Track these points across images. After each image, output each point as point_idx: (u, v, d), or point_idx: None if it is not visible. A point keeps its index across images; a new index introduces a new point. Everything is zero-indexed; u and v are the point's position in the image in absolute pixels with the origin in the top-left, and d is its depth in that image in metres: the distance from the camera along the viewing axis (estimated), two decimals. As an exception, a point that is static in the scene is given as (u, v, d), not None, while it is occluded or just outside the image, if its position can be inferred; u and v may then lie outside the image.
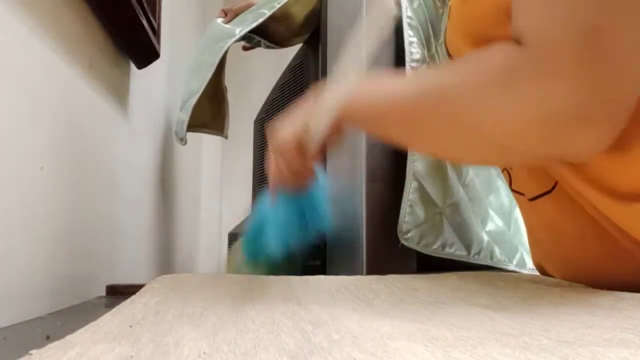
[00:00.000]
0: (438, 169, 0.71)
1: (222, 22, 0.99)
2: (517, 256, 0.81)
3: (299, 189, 0.57)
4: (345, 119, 0.50)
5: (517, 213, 0.87)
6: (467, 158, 0.55)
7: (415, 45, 0.72)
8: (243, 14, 0.95)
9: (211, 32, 1.02)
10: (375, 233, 0.68)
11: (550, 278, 0.52)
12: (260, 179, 1.38)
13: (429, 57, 0.73)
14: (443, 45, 0.65)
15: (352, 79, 0.48)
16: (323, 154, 0.56)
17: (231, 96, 2.25)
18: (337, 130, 0.52)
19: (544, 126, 0.36)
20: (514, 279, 0.50)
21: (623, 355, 0.21)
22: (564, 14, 0.34)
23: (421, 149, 0.59)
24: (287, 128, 0.54)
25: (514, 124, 0.37)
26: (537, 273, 0.59)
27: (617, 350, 0.22)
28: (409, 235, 0.66)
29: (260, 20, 0.90)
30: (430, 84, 0.43)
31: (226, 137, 1.26)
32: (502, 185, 0.86)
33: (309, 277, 0.51)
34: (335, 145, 0.55)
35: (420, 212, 0.68)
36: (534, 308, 0.36)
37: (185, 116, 0.99)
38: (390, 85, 0.47)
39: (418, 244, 0.67)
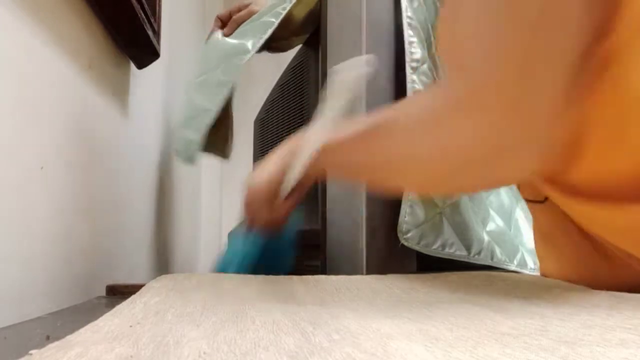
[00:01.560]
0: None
1: (223, 35, 0.93)
2: (518, 256, 0.81)
3: (268, 232, 0.61)
4: (317, 168, 0.52)
5: (518, 213, 0.87)
6: (433, 188, 0.57)
7: (415, 45, 0.71)
8: (245, 23, 0.90)
9: (216, 47, 0.95)
10: (375, 233, 0.68)
11: (550, 278, 0.52)
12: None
13: (429, 57, 0.73)
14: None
15: (324, 128, 0.49)
16: (294, 201, 0.58)
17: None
18: (307, 179, 0.55)
19: (466, 161, 0.38)
20: (514, 279, 0.50)
21: (623, 355, 0.21)
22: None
23: (390, 186, 0.59)
24: (261, 175, 0.57)
25: (442, 159, 0.39)
26: (538, 273, 0.59)
27: (617, 350, 0.22)
28: (409, 235, 0.66)
29: (270, 31, 0.85)
30: (379, 123, 0.46)
31: (227, 158, 1.22)
32: (502, 185, 0.86)
33: (309, 277, 0.51)
34: (304, 193, 0.58)
35: (421, 212, 0.68)
36: (534, 308, 0.36)
37: (196, 135, 0.92)
38: (352, 130, 0.49)
39: (418, 243, 0.67)
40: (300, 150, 0.51)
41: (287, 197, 0.57)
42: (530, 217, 0.89)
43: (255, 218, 0.60)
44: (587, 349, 0.22)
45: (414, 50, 0.71)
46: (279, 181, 0.55)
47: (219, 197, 2.14)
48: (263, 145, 1.36)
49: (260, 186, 0.57)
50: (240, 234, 0.65)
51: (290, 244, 0.65)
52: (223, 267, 0.64)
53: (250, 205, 0.59)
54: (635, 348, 0.23)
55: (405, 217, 0.66)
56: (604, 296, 0.39)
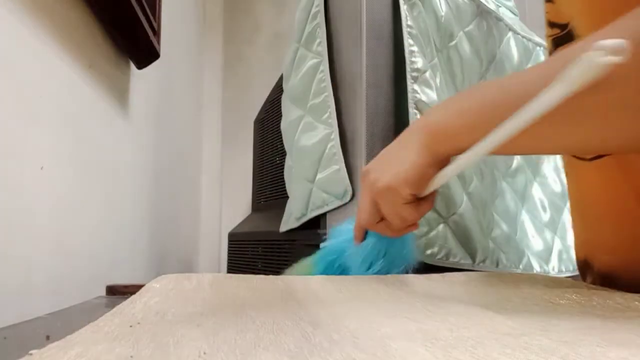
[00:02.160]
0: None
1: None
2: (524, 260, 0.81)
3: (392, 235, 0.52)
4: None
5: (524, 216, 0.87)
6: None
7: (416, 54, 0.71)
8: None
9: None
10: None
11: (550, 278, 0.52)
12: (260, 179, 1.38)
13: (430, 67, 0.73)
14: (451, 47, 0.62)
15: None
16: (432, 203, 0.50)
17: (231, 96, 2.26)
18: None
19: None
20: (514, 279, 0.50)
21: (623, 355, 0.21)
22: None
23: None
24: (400, 172, 0.46)
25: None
26: (537, 274, 0.59)
27: (617, 350, 0.22)
28: None
29: None
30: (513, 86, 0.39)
31: None
32: (507, 188, 0.86)
33: (309, 277, 0.51)
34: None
35: (425, 223, 0.68)
36: (534, 308, 0.36)
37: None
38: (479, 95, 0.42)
39: (422, 254, 0.67)
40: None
41: (426, 197, 0.48)
42: (534, 218, 0.89)
43: (389, 219, 0.49)
44: (587, 349, 0.22)
45: (415, 59, 0.71)
46: (427, 175, 0.46)
47: (219, 197, 2.14)
48: (263, 145, 1.37)
49: (406, 178, 0.46)
50: (349, 232, 0.56)
51: (412, 247, 0.56)
52: (332, 259, 0.58)
53: (385, 204, 0.48)
54: (635, 348, 0.23)
55: None
56: (604, 296, 0.39)
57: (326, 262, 0.58)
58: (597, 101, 0.34)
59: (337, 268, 0.58)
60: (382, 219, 0.51)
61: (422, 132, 0.46)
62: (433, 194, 0.49)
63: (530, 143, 0.40)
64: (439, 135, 0.44)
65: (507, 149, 0.39)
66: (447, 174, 0.46)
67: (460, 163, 0.43)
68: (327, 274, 0.56)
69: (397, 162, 0.47)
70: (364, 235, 0.54)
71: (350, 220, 0.57)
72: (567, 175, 0.55)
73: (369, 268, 0.54)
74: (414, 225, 0.50)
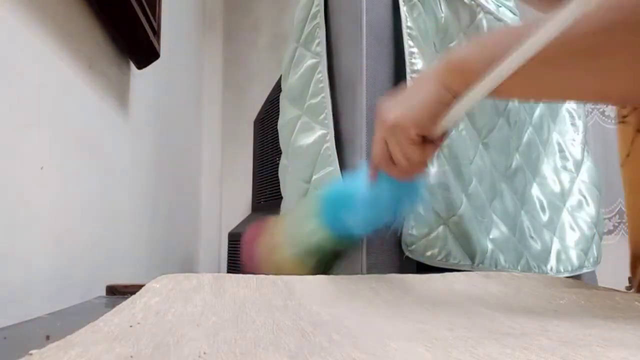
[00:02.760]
0: (439, 180, 0.71)
1: None
2: (522, 262, 0.81)
3: (403, 178, 0.50)
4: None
5: (523, 217, 0.87)
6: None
7: (416, 55, 0.71)
8: None
9: None
10: (375, 233, 0.68)
11: (550, 278, 0.52)
12: (260, 179, 1.38)
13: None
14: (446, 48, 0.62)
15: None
16: (439, 144, 0.49)
17: (231, 96, 2.26)
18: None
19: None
20: (513, 280, 0.50)
21: (623, 355, 0.21)
22: None
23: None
24: (410, 103, 0.46)
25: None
26: (537, 274, 0.59)
27: (617, 350, 0.22)
28: (413, 247, 0.66)
29: None
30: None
31: None
32: (505, 189, 0.86)
33: (309, 277, 0.51)
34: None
35: (424, 224, 0.68)
36: (534, 308, 0.36)
37: None
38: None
39: (422, 255, 0.67)
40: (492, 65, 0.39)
41: (434, 140, 0.47)
42: (533, 219, 0.89)
43: (392, 160, 0.48)
44: (587, 349, 0.22)
45: (415, 60, 0.71)
46: (436, 114, 0.44)
47: (219, 197, 2.14)
48: (263, 145, 1.37)
49: (413, 117, 0.45)
50: (363, 172, 0.54)
51: (422, 191, 0.55)
52: (344, 197, 0.56)
53: (399, 144, 0.47)
54: (635, 348, 0.23)
55: (409, 229, 0.66)
56: (604, 296, 0.39)
57: (335, 203, 0.56)
58: (595, 41, 0.35)
59: (342, 207, 0.55)
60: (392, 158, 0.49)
61: (443, 69, 0.45)
62: (440, 138, 0.48)
63: (531, 85, 0.41)
64: (456, 70, 0.43)
65: (510, 91, 0.40)
66: (454, 115, 0.44)
67: (467, 99, 0.43)
68: (330, 215, 0.55)
69: (408, 100, 0.47)
70: (376, 174, 0.53)
71: (365, 165, 0.56)
72: (624, 166, 0.55)
73: (374, 210, 0.53)
74: (421, 166, 0.49)
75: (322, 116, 0.77)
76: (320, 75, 0.78)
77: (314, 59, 0.80)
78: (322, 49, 0.79)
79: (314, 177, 0.77)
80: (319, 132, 0.77)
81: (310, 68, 0.80)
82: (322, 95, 0.77)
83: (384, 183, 0.52)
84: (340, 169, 0.73)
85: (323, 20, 0.80)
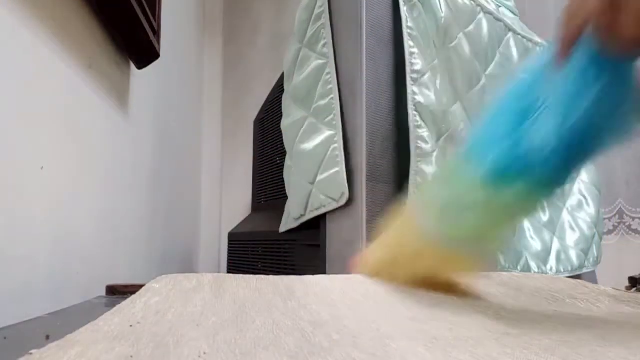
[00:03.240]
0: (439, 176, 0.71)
1: None
2: (522, 262, 0.81)
3: (627, 46, 0.31)
4: None
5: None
6: None
7: (416, 56, 0.71)
8: None
9: None
10: (375, 233, 0.68)
11: (550, 278, 0.52)
12: (260, 179, 1.38)
13: (430, 68, 0.73)
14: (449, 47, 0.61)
15: None
16: None
17: (231, 96, 2.26)
18: None
19: None
20: (514, 280, 0.50)
21: (623, 355, 0.21)
22: None
23: None
24: None
25: None
26: (537, 274, 0.58)
27: (617, 350, 0.22)
28: None
29: None
30: None
31: None
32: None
33: (309, 277, 0.51)
34: None
35: None
36: (534, 308, 0.36)
37: None
38: None
39: None
40: None
41: None
42: (533, 218, 0.89)
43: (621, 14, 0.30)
44: (587, 349, 0.22)
45: (415, 60, 0.71)
46: None
47: (219, 197, 2.14)
48: (263, 145, 1.37)
49: None
50: (544, 61, 0.36)
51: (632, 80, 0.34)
52: (514, 110, 0.36)
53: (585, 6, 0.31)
54: (635, 348, 0.23)
55: None
56: (604, 296, 0.39)
57: (515, 112, 0.36)
58: None
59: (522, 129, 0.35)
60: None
61: None
62: None
63: None
64: None
65: None
66: None
67: None
68: (501, 157, 0.36)
69: None
70: (569, 51, 0.33)
71: (537, 60, 0.37)
72: None
73: (576, 108, 0.33)
74: None
75: (330, 117, 0.77)
76: (328, 76, 0.78)
77: (320, 60, 0.80)
78: (329, 50, 0.79)
79: (319, 177, 0.78)
80: (326, 133, 0.77)
81: (317, 69, 0.80)
82: (331, 96, 0.77)
83: (584, 66, 0.32)
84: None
85: (328, 21, 0.80)
